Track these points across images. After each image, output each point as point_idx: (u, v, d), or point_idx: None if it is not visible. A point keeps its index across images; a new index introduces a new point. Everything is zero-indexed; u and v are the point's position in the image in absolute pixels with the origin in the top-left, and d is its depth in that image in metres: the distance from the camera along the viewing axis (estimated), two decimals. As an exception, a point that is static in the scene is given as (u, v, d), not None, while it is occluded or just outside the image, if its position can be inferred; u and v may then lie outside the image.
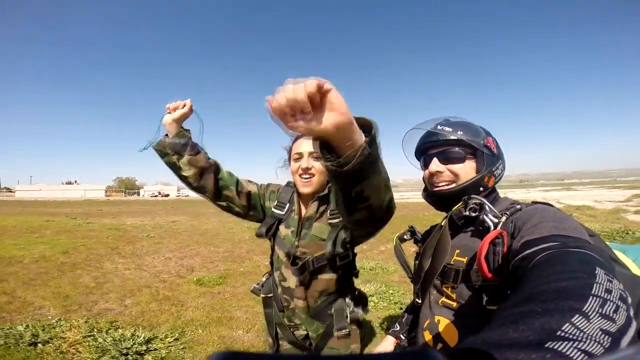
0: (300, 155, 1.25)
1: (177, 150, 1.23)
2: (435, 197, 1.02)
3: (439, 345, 0.92)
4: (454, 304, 0.91)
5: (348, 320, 1.28)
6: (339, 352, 1.28)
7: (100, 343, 2.68)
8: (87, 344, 2.71)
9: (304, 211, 1.32)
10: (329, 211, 1.27)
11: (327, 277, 1.27)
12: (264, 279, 1.48)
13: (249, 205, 1.38)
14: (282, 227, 1.35)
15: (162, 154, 1.25)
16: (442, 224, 0.95)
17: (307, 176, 1.24)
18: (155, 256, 6.72)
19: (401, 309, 3.62)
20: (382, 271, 5.13)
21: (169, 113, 1.23)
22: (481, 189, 0.95)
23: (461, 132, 0.96)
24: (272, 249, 1.41)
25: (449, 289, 0.93)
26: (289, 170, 1.35)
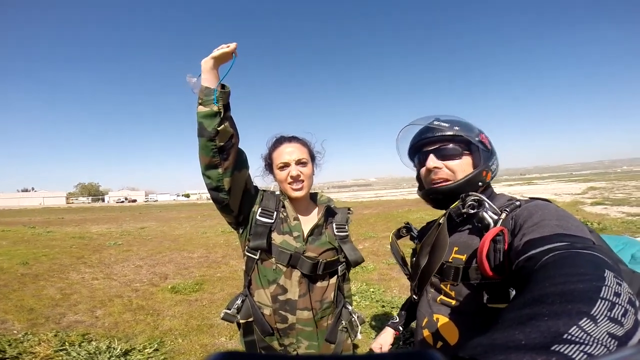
0: (285, 164, 1.28)
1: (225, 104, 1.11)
2: (433, 194, 0.99)
3: (439, 344, 0.92)
4: (453, 302, 0.90)
5: (359, 329, 1.40)
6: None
7: (74, 357, 2.57)
8: (60, 358, 2.59)
9: (299, 215, 1.33)
10: (335, 224, 1.36)
11: (328, 284, 1.32)
12: (239, 302, 1.29)
13: (244, 198, 1.27)
14: (274, 235, 1.28)
15: (219, 98, 1.09)
16: (441, 221, 0.94)
17: (297, 183, 1.28)
18: (125, 264, 6.46)
19: (383, 306, 3.72)
20: (362, 270, 5.21)
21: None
22: (480, 183, 0.94)
23: (457, 128, 0.95)
24: (256, 265, 1.28)
25: (448, 286, 0.92)
26: (268, 178, 1.38)
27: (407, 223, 1.21)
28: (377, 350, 1.24)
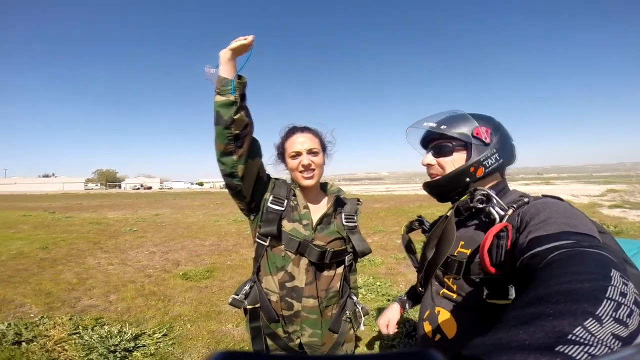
0: (297, 153, 1.30)
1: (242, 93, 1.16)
2: (425, 188, 1.07)
3: (437, 336, 0.93)
4: (454, 296, 0.92)
5: (362, 320, 1.42)
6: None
7: (86, 340, 2.65)
8: (73, 341, 2.68)
9: (308, 204, 1.36)
10: (344, 214, 1.38)
11: (334, 273, 1.34)
12: (247, 287, 1.33)
13: (256, 185, 1.30)
14: (285, 222, 1.30)
15: (237, 88, 1.13)
16: (448, 214, 0.95)
17: (308, 172, 1.31)
18: (139, 250, 6.63)
19: (389, 300, 3.69)
20: (370, 263, 5.20)
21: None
22: (467, 179, 0.95)
23: (445, 127, 0.97)
24: (265, 251, 1.31)
25: (451, 280, 0.93)
26: (281, 167, 1.39)
27: (420, 216, 1.21)
28: (383, 326, 1.25)
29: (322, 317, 1.31)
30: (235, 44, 1.13)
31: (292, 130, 1.37)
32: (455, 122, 0.98)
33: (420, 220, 1.21)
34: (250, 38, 1.12)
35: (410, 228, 1.22)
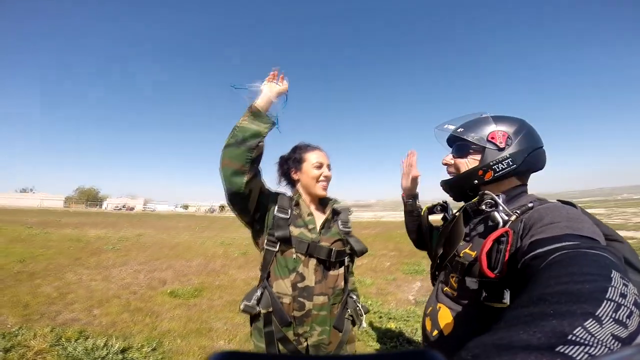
0: (321, 165, 1.46)
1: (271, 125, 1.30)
2: (441, 185, 1.12)
3: (435, 332, 0.95)
4: (455, 294, 0.94)
5: (364, 317, 1.51)
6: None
7: (70, 352, 2.50)
8: (56, 352, 2.52)
9: (314, 211, 1.48)
10: (340, 221, 1.51)
11: (338, 273, 1.44)
12: (258, 293, 1.36)
13: (260, 199, 1.39)
14: (292, 228, 1.39)
15: (270, 123, 1.29)
16: (457, 214, 1.01)
17: (326, 182, 1.49)
18: (123, 268, 6.36)
19: (380, 317, 3.70)
20: (360, 284, 5.15)
21: (270, 81, 1.34)
22: (475, 181, 0.99)
23: (462, 130, 1.03)
24: (275, 256, 1.37)
25: (454, 279, 0.95)
26: (299, 174, 1.50)
27: (445, 202, 1.24)
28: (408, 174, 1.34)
29: (330, 315, 1.38)
30: (282, 87, 1.34)
31: (313, 146, 1.53)
32: (473, 125, 1.02)
33: (443, 206, 1.24)
34: (286, 85, 1.35)
35: (431, 211, 1.26)
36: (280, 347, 1.33)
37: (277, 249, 1.36)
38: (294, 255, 1.36)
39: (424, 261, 7.52)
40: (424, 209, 1.27)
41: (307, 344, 1.34)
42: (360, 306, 1.52)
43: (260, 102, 1.28)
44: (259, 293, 1.36)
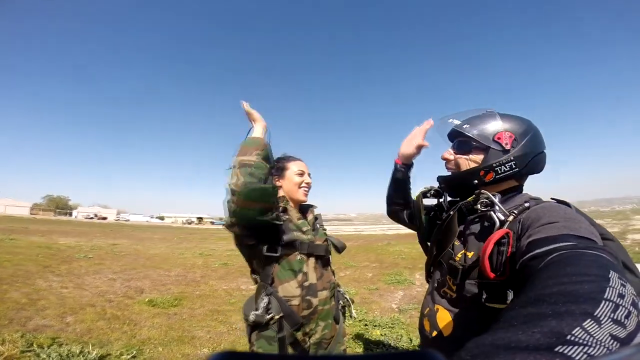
0: (302, 172, 1.53)
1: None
2: (438, 180, 1.10)
3: (434, 333, 0.93)
4: (454, 295, 0.91)
5: (352, 307, 1.65)
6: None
7: (43, 359, 2.36)
8: (28, 359, 2.37)
9: (299, 215, 1.53)
10: (318, 223, 1.60)
11: (330, 269, 1.56)
12: (265, 301, 1.31)
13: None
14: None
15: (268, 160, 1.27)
16: (451, 213, 0.97)
17: (307, 189, 1.55)
18: (97, 277, 6.10)
19: (366, 325, 3.73)
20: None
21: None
22: (475, 181, 0.95)
23: (467, 126, 0.97)
24: (276, 262, 1.36)
25: (452, 280, 0.92)
26: (282, 181, 1.54)
27: (440, 187, 1.16)
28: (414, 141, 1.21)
29: (330, 308, 1.45)
30: (264, 122, 1.34)
31: (294, 157, 1.60)
32: (480, 122, 0.97)
33: (438, 191, 1.17)
34: (264, 123, 1.35)
35: (425, 195, 1.19)
36: (291, 351, 1.31)
37: (279, 254, 1.34)
38: (299, 257, 1.38)
39: (405, 272, 7.61)
40: (417, 194, 1.21)
41: (310, 343, 1.37)
42: (347, 297, 1.65)
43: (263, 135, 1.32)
44: (265, 300, 1.31)
